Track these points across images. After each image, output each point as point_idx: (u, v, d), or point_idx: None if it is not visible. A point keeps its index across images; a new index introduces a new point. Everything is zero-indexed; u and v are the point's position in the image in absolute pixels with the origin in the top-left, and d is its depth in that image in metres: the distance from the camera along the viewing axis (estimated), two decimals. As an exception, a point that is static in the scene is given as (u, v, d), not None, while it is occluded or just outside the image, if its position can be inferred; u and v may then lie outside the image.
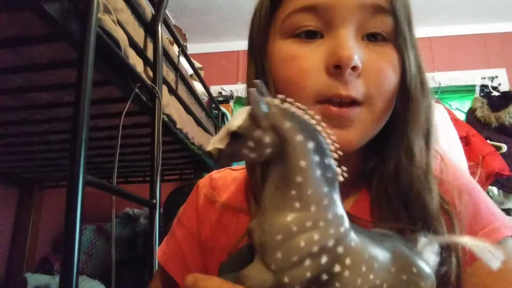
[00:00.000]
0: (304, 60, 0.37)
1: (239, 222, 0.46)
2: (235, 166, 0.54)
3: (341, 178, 0.28)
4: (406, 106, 0.38)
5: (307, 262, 0.26)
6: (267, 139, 0.26)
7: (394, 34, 0.37)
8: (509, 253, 0.36)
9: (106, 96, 1.01)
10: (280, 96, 0.28)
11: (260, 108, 0.26)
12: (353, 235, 0.28)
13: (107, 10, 0.80)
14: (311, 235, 0.26)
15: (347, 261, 0.27)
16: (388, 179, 0.39)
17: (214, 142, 0.27)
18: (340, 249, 0.27)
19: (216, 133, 1.91)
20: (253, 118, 0.26)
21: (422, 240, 0.32)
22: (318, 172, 0.27)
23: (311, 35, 0.37)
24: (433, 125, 0.39)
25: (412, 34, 0.38)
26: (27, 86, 0.94)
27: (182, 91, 1.43)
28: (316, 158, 0.27)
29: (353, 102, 0.36)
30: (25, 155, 1.53)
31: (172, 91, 1.26)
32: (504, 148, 2.00)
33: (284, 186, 0.27)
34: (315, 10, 0.37)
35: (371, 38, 0.37)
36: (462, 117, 2.24)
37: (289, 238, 0.26)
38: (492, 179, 1.91)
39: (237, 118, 0.27)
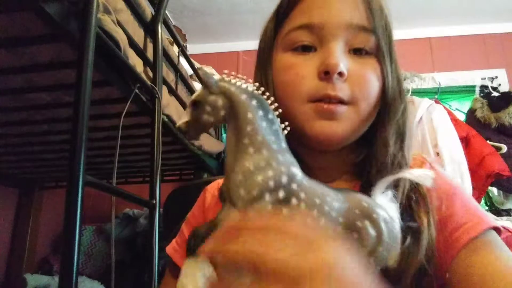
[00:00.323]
0: (300, 68, 0.44)
1: None
2: None
3: (285, 131, 0.34)
4: (385, 109, 0.46)
5: (267, 197, 0.30)
6: (220, 101, 0.33)
7: (376, 50, 0.44)
8: (492, 242, 0.43)
9: (105, 97, 1.01)
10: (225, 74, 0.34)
11: (211, 79, 0.33)
12: (305, 177, 0.33)
13: (107, 11, 0.80)
14: (266, 172, 0.31)
15: (302, 195, 0.31)
16: (375, 174, 0.44)
17: (181, 119, 0.34)
18: (294, 186, 0.31)
19: (215, 133, 1.95)
20: (206, 87, 0.33)
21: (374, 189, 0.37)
22: (264, 124, 0.33)
23: (306, 49, 0.45)
24: (407, 126, 0.47)
25: (391, 49, 0.46)
26: (27, 86, 0.94)
27: (182, 91, 1.43)
28: (260, 112, 0.33)
29: (340, 103, 0.42)
30: (25, 156, 1.53)
31: (172, 92, 1.26)
32: (504, 148, 2.00)
33: (239, 139, 0.33)
34: (310, 28, 0.44)
35: (357, 52, 0.44)
36: (462, 117, 2.24)
37: (248, 176, 0.31)
38: (492, 179, 1.91)
39: (194, 93, 0.34)
